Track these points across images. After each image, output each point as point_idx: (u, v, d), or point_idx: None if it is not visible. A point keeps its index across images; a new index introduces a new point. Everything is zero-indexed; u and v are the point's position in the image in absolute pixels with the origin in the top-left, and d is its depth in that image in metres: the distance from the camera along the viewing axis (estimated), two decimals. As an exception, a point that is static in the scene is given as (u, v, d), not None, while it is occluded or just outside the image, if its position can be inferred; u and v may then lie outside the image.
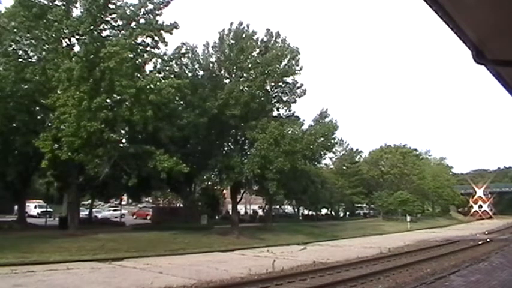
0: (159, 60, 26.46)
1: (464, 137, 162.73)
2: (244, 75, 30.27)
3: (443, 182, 73.75)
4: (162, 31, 24.49)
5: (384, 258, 14.74)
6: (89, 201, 40.80)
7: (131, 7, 24.44)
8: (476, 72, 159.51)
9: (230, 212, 38.41)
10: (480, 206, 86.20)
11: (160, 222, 33.43)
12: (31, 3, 22.14)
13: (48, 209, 39.05)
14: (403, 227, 43.53)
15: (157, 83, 24.03)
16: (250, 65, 30.00)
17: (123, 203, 48.18)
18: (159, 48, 25.39)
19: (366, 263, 13.47)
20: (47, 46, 23.40)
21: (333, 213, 63.12)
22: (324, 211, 61.82)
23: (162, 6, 24.63)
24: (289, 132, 29.69)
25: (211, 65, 32.04)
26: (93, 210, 40.30)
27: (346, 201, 62.14)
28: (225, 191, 44.62)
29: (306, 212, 60.30)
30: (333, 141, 36.26)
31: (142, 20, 24.79)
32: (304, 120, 33.62)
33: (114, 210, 45.39)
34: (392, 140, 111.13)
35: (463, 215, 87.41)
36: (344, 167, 64.53)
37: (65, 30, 23.06)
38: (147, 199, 53.77)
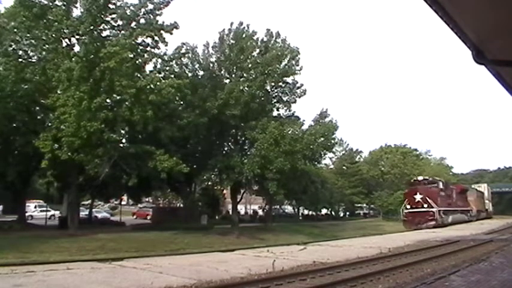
0: (159, 60, 26.50)
1: (464, 137, 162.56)
2: (244, 75, 30.31)
3: (443, 182, 73.66)
4: (162, 31, 24.50)
5: (384, 258, 14.72)
6: (89, 201, 40.85)
7: (131, 7, 24.45)
8: (476, 72, 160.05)
9: (230, 212, 38.45)
10: (419, 204, 40.64)
11: (160, 222, 33.42)
12: (31, 3, 22.13)
13: (48, 209, 39.08)
14: (403, 227, 43.46)
15: (157, 83, 24.05)
16: (250, 65, 30.04)
17: (123, 203, 48.24)
18: (159, 48, 25.44)
19: (366, 263, 13.46)
20: (47, 46, 23.40)
21: (333, 213, 63.15)
22: (324, 211, 61.87)
23: (162, 6, 24.65)
24: (289, 132, 29.71)
25: (211, 65, 32.08)
26: (93, 210, 40.38)
27: (346, 201, 62.20)
28: (225, 191, 44.71)
29: (306, 212, 60.34)
30: (333, 141, 36.30)
31: (142, 20, 24.81)
32: (304, 120, 33.75)
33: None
34: (392, 140, 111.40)
35: None
36: (344, 167, 64.60)
37: (65, 30, 23.07)
38: (147, 199, 53.84)
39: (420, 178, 44.77)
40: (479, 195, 59.39)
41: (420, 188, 41.29)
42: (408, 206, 41.36)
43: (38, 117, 26.30)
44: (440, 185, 42.66)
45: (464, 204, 50.01)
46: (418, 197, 40.34)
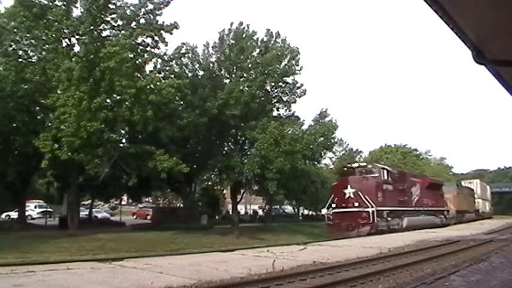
0: (159, 60, 26.53)
1: (464, 137, 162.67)
2: (244, 75, 30.32)
3: (443, 182, 73.35)
4: (162, 31, 24.53)
5: (384, 258, 14.69)
6: (89, 201, 40.92)
7: (131, 7, 24.48)
8: (476, 72, 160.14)
9: (230, 212, 38.49)
10: (349, 202, 27.34)
11: (160, 222, 33.49)
12: (31, 3, 22.15)
13: (48, 209, 39.17)
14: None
15: (157, 83, 24.07)
16: (250, 65, 30.05)
17: (123, 203, 48.30)
18: (159, 48, 25.47)
19: (366, 263, 13.44)
20: (47, 46, 23.43)
21: (333, 213, 62.98)
22: (324, 211, 61.80)
23: (162, 6, 24.67)
24: (289, 132, 29.72)
25: (211, 65, 32.09)
26: (93, 210, 40.46)
27: (346, 201, 62.10)
28: (225, 191, 44.73)
29: (306, 212, 60.34)
30: (332, 140, 36.33)
31: (142, 20, 24.83)
32: (304, 120, 33.75)
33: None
34: (392, 140, 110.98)
35: None
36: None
37: (65, 30, 23.09)
38: (147, 199, 53.90)
39: (355, 165, 32.02)
40: (465, 193, 48.06)
41: (352, 179, 28.46)
42: (334, 205, 28.67)
43: (38, 117, 26.34)
44: (384, 175, 29.80)
45: (437, 203, 37.84)
46: (348, 191, 27.47)
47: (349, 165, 32.69)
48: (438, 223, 36.27)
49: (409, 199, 32.65)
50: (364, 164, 33.33)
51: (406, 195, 32.20)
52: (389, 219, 28.62)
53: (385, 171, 30.55)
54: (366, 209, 26.59)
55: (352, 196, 27.35)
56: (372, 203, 26.67)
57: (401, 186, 31.65)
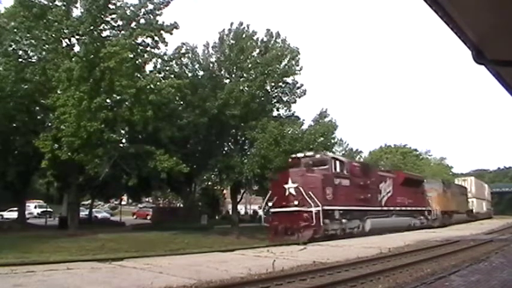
0: (159, 60, 26.54)
1: (464, 137, 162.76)
2: (244, 75, 30.33)
3: (443, 182, 73.08)
4: (162, 31, 24.53)
5: (384, 258, 14.68)
6: (89, 201, 40.96)
7: (131, 7, 24.49)
8: (476, 72, 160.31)
9: (230, 212, 38.51)
10: (290, 200, 21.57)
11: (160, 222, 33.51)
12: (31, 3, 22.16)
13: (48, 209, 39.21)
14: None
15: (157, 83, 24.08)
16: (250, 65, 30.07)
17: (123, 203, 48.34)
18: (159, 48, 25.47)
19: (366, 263, 13.42)
20: (47, 46, 23.44)
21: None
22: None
23: (162, 6, 24.69)
24: (289, 132, 29.70)
25: (211, 65, 32.12)
26: (93, 210, 40.50)
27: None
28: (225, 191, 44.77)
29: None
30: (332, 140, 36.28)
31: (142, 20, 24.84)
32: (304, 120, 33.72)
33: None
34: (392, 140, 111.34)
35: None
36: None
37: (65, 30, 23.11)
38: (147, 199, 53.95)
39: (300, 155, 24.94)
40: (454, 191, 42.90)
41: (294, 171, 22.62)
42: (270, 204, 23.77)
43: (38, 117, 26.35)
44: (337, 167, 23.99)
45: (415, 202, 32.37)
46: (289, 186, 22.03)
47: (294, 156, 25.38)
48: (416, 225, 31.78)
49: (374, 197, 26.95)
50: (311, 153, 25.29)
51: (370, 192, 26.50)
52: (344, 221, 23.19)
53: (337, 162, 24.47)
54: (309, 209, 21.12)
55: (293, 193, 21.84)
56: (317, 201, 21.09)
57: (363, 182, 25.87)
